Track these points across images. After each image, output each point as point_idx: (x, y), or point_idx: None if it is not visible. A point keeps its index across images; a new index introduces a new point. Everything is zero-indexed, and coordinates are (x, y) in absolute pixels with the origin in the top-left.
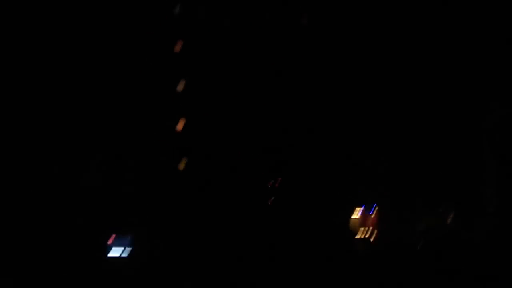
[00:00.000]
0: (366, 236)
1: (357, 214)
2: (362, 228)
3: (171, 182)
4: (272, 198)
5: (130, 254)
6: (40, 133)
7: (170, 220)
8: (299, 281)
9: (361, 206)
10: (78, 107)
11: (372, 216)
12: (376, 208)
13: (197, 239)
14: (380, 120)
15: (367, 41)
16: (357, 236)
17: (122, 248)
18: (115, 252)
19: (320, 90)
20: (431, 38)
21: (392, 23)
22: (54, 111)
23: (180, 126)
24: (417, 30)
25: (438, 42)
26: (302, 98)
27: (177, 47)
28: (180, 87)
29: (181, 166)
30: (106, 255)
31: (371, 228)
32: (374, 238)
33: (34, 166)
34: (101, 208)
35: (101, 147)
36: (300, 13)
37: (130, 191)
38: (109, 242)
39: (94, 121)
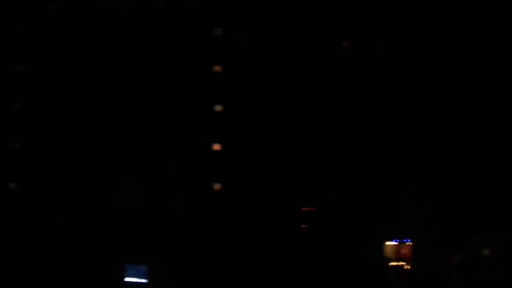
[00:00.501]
0: (402, 264)
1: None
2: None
3: (205, 204)
4: (306, 223)
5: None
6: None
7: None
8: None
9: (393, 241)
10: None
11: (409, 244)
12: (410, 242)
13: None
14: (414, 154)
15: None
16: (392, 263)
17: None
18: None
19: (360, 121)
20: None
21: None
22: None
23: (216, 146)
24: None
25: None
26: (342, 127)
27: (217, 68)
28: (218, 108)
29: (216, 186)
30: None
31: (406, 257)
32: (409, 267)
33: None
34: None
35: (134, 166)
36: (341, 38)
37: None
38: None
39: (129, 138)
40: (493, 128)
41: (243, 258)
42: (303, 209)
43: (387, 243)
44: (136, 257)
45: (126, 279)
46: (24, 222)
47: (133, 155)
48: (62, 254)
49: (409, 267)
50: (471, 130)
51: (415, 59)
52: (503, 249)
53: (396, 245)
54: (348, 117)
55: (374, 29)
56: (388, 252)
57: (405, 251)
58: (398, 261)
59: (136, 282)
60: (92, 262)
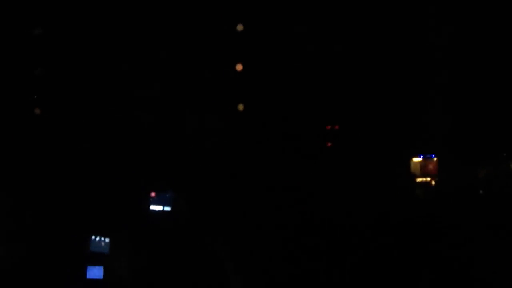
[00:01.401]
0: (427, 180)
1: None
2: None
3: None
4: (331, 141)
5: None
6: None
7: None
8: (355, 221)
9: (419, 157)
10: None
11: (434, 160)
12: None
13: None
14: (437, 70)
15: None
16: (418, 180)
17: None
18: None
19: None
20: None
21: None
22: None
23: (239, 67)
24: None
25: None
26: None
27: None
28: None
29: (240, 107)
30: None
31: (432, 172)
32: (435, 183)
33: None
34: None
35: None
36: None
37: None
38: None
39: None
40: None
41: (268, 180)
42: (328, 127)
43: (413, 159)
44: (161, 184)
45: (151, 206)
46: (49, 147)
47: (157, 76)
48: (86, 183)
49: (434, 182)
50: (495, 46)
51: None
52: None
53: (422, 161)
54: (371, 34)
55: None
56: (414, 168)
57: (430, 166)
58: (424, 177)
59: (161, 210)
60: (117, 190)
